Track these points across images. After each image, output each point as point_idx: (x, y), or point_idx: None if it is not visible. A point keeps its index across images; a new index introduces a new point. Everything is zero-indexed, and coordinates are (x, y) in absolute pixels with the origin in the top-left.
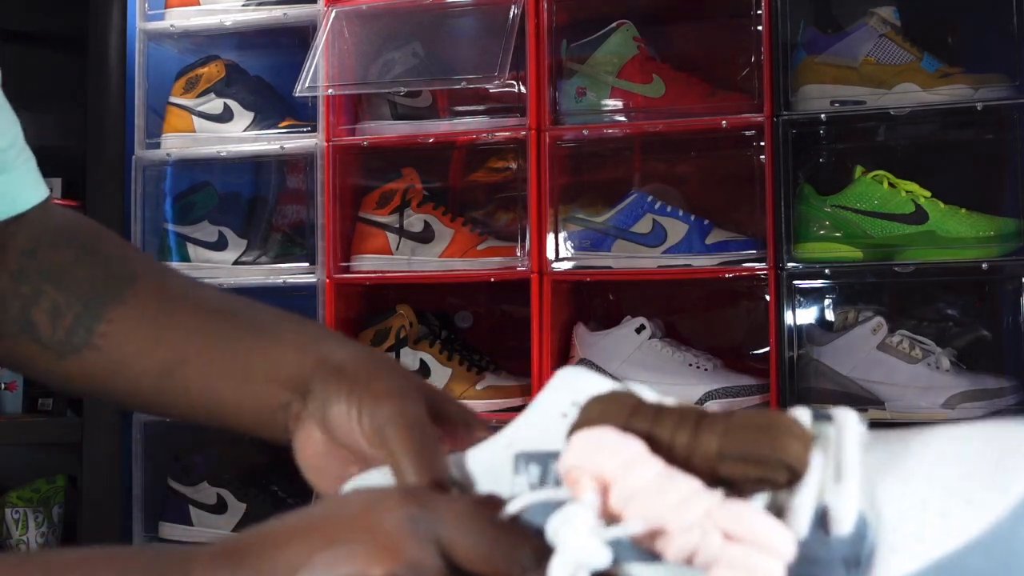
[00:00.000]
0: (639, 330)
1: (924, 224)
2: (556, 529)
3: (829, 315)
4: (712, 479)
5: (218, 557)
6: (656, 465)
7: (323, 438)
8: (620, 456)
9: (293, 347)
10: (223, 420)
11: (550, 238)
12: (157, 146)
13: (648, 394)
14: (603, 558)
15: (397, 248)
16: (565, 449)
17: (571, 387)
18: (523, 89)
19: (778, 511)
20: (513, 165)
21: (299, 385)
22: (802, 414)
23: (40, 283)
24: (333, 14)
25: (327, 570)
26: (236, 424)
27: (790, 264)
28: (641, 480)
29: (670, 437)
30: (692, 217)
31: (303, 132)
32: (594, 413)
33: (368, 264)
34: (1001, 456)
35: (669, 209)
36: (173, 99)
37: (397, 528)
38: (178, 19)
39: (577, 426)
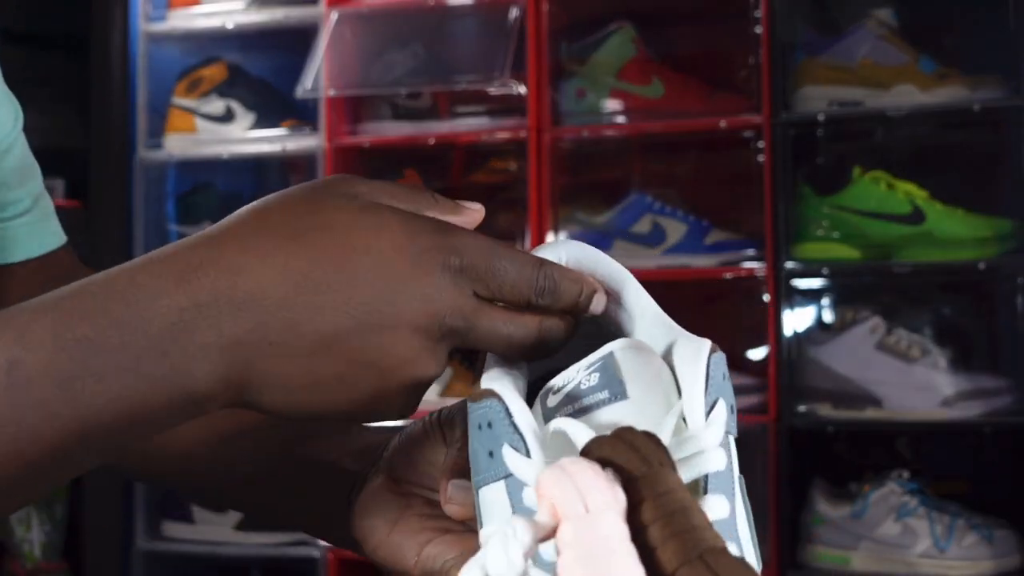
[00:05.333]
0: None
1: (921, 224)
2: (488, 536)
3: (827, 315)
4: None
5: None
6: (616, 530)
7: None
8: (587, 503)
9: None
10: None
11: (550, 238)
12: (159, 147)
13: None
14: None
15: None
16: (550, 468)
17: (560, 253)
18: (523, 90)
19: None
20: (513, 166)
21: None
22: None
23: None
24: (335, 16)
25: (370, 321)
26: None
27: (789, 264)
28: (589, 538)
29: (651, 519)
30: (691, 217)
31: (305, 133)
32: (604, 450)
33: None
34: None
35: (668, 209)
36: (175, 100)
37: (438, 278)
38: (180, 20)
39: (584, 451)
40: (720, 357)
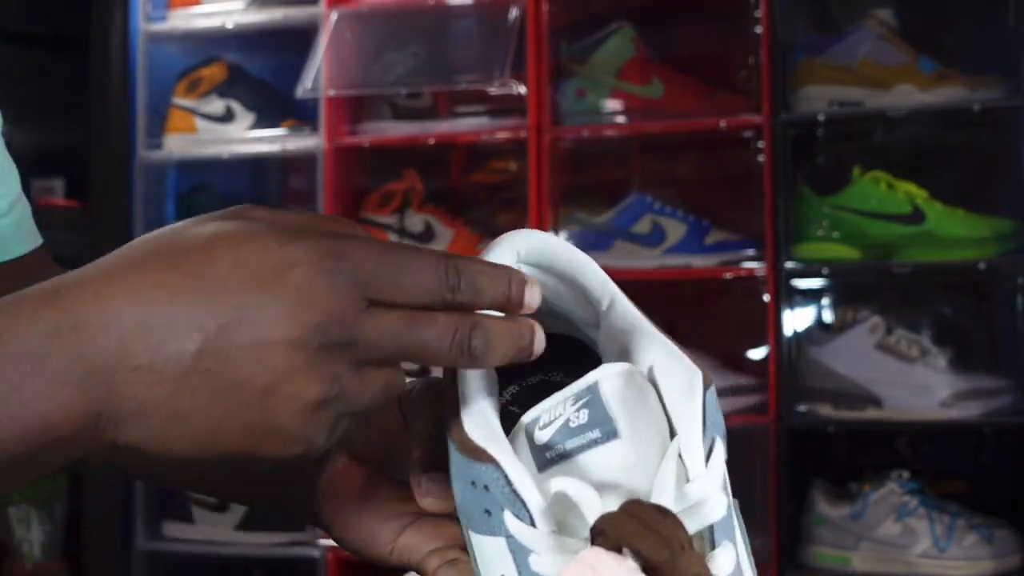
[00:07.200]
0: None
1: (921, 224)
2: None
3: (827, 315)
4: None
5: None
6: None
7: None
8: None
9: None
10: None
11: None
12: (159, 147)
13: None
14: None
15: None
16: (576, 564)
17: (515, 244)
18: (523, 90)
19: None
20: (513, 166)
21: None
22: None
23: None
24: (335, 16)
25: (236, 336)
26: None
27: (789, 264)
28: None
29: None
30: (691, 217)
31: (305, 133)
32: (624, 534)
33: None
34: None
35: (668, 209)
36: (175, 100)
37: (312, 283)
38: (180, 20)
39: (597, 530)
40: (713, 390)
